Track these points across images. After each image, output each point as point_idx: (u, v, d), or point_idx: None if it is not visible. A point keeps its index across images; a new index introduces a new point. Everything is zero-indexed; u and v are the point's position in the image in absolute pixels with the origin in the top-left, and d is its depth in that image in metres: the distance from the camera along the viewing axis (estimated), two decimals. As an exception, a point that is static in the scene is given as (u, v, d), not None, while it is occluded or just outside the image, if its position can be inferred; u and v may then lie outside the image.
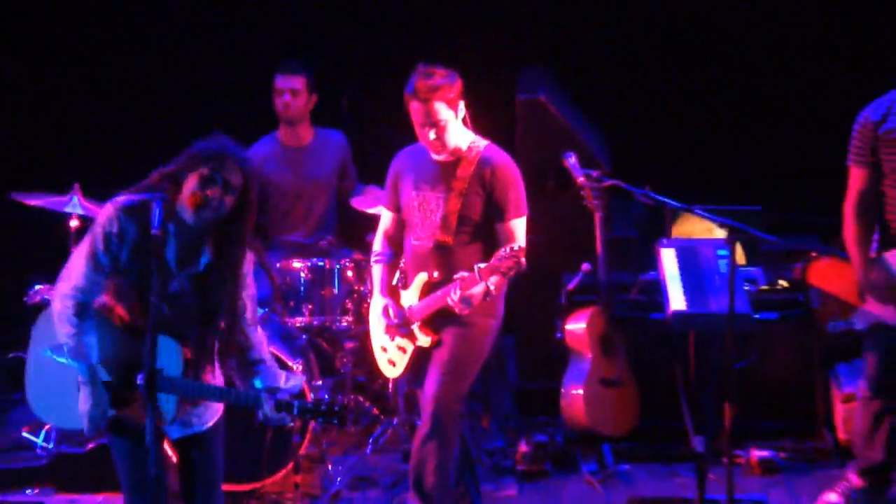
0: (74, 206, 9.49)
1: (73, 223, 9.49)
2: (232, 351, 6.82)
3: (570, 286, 9.86)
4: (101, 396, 6.62)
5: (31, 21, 12.05)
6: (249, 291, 6.82)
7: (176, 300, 6.67)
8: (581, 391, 9.48)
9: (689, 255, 8.50)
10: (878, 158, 8.29)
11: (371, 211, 9.78)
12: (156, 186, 6.56)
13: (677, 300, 8.27)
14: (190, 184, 6.53)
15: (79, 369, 6.59)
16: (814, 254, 9.54)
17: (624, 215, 10.57)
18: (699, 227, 9.72)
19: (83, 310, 6.64)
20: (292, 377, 6.85)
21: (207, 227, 6.60)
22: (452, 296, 7.89)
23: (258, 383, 6.80)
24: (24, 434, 9.73)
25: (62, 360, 6.69)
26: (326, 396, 6.55)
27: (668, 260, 8.47)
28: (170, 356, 6.57)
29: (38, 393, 6.89)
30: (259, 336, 6.90)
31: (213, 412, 6.89)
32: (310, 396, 8.40)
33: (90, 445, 9.14)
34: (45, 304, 8.89)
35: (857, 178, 8.37)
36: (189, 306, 6.70)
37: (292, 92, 10.29)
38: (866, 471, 8.68)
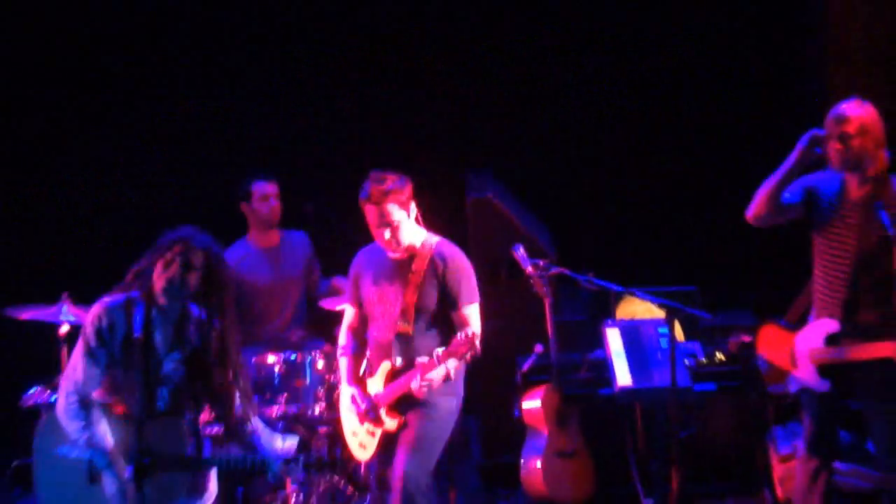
0: (65, 314, 9.21)
1: (64, 329, 9.16)
2: (230, 424, 6.80)
3: (525, 367, 9.66)
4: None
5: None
6: (243, 372, 6.81)
7: (170, 380, 6.62)
8: (539, 463, 9.26)
9: (633, 333, 8.59)
10: (811, 223, 8.05)
11: (338, 308, 9.56)
12: (131, 284, 6.61)
13: (623, 376, 8.36)
14: (157, 271, 6.55)
15: (96, 459, 6.55)
16: (745, 337, 9.45)
17: (571, 300, 10.41)
18: (641, 308, 9.63)
19: (87, 404, 6.58)
20: (288, 437, 6.82)
21: (181, 307, 6.63)
22: (414, 382, 7.78)
23: (259, 441, 6.79)
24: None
25: (76, 455, 6.62)
26: (323, 451, 6.51)
27: (614, 339, 8.54)
28: (174, 434, 6.57)
29: (51, 495, 6.78)
30: (253, 407, 6.86)
31: (209, 496, 6.76)
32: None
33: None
34: (39, 408, 8.83)
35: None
36: (184, 385, 6.65)
37: (275, 196, 10.11)
38: (806, 525, 8.53)
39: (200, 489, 6.66)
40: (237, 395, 6.73)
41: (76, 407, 6.57)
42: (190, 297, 6.58)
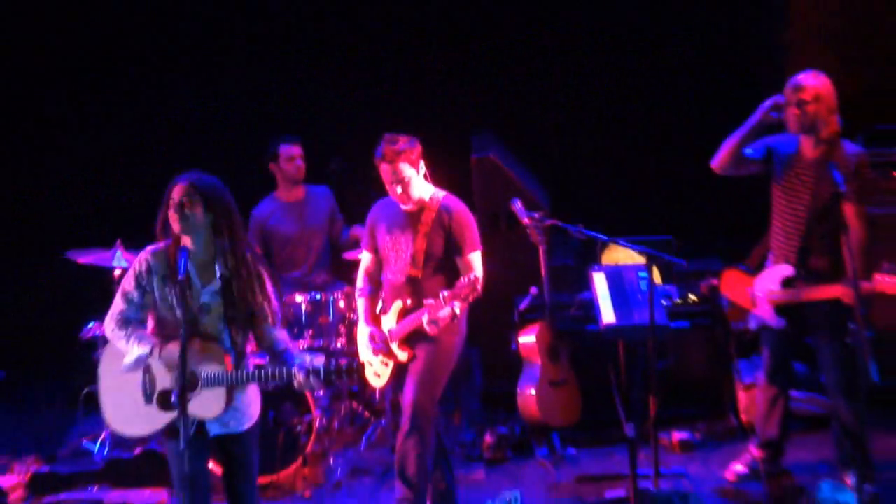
0: (118, 259, 9.49)
1: (117, 272, 9.45)
2: (262, 346, 6.86)
3: (522, 306, 9.85)
4: (154, 385, 6.75)
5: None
6: (270, 300, 6.83)
7: (208, 309, 6.72)
8: (534, 391, 9.47)
9: (616, 277, 8.53)
10: (772, 179, 8.34)
11: (358, 257, 9.64)
12: (163, 233, 6.71)
13: (608, 315, 8.32)
14: (170, 218, 6.65)
15: (149, 352, 6.68)
16: (714, 281, 9.63)
17: (562, 247, 10.52)
18: (623, 255, 9.69)
19: (126, 322, 6.76)
20: (316, 356, 6.81)
21: (205, 244, 6.68)
22: (423, 319, 7.95)
23: (288, 359, 6.77)
24: (85, 443, 9.75)
25: (132, 359, 6.74)
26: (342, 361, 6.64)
27: (599, 282, 8.49)
28: (217, 357, 6.66)
29: (115, 415, 6.91)
30: (283, 335, 6.90)
31: (249, 418, 6.90)
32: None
33: (137, 451, 9.11)
34: (96, 340, 9.20)
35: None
36: (219, 314, 6.73)
37: (301, 157, 10.27)
38: (765, 444, 8.70)
39: (242, 409, 6.81)
40: (269, 314, 6.79)
41: (116, 326, 6.75)
42: (204, 229, 6.62)
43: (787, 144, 8.26)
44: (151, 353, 6.69)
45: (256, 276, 6.76)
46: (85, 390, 9.59)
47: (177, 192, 6.62)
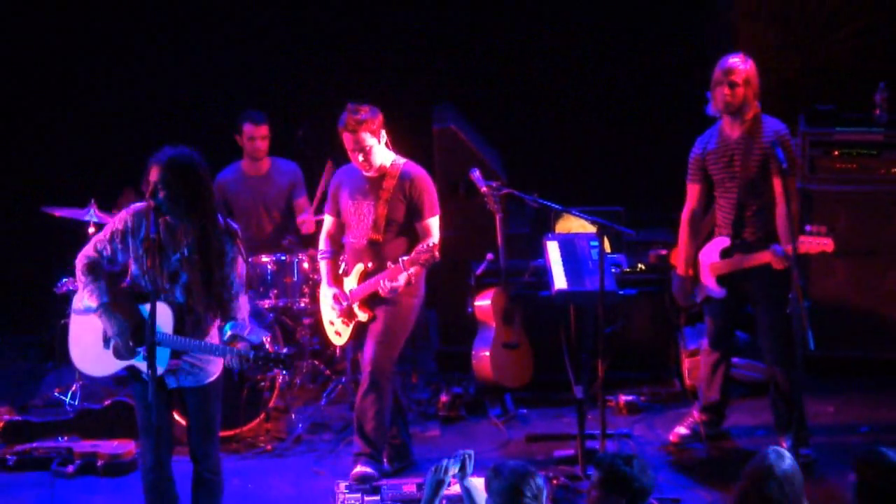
0: (91, 216, 9.51)
1: (91, 230, 9.44)
2: (214, 312, 6.92)
3: (478, 271, 9.82)
4: (123, 326, 6.81)
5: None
6: (235, 269, 6.90)
7: (174, 276, 6.82)
8: (488, 353, 9.49)
9: (569, 245, 8.62)
10: (708, 174, 8.49)
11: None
12: (147, 197, 6.73)
13: (560, 281, 8.43)
14: (147, 194, 6.73)
15: (96, 308, 6.80)
16: (662, 251, 9.90)
17: (518, 216, 10.51)
18: (576, 224, 9.61)
19: (92, 269, 6.86)
20: (256, 330, 6.91)
21: (180, 216, 6.75)
22: (382, 283, 8.06)
23: (228, 330, 6.85)
24: (56, 394, 9.77)
25: (82, 306, 6.91)
26: (277, 349, 6.69)
27: (553, 250, 8.59)
28: (164, 317, 6.73)
29: (78, 353, 7.06)
30: (241, 303, 6.95)
31: (210, 373, 6.98)
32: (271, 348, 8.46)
33: (106, 402, 9.20)
34: (69, 294, 9.12)
35: (690, 193, 8.63)
36: (184, 279, 6.81)
37: (261, 138, 10.21)
38: (707, 408, 8.85)
39: (201, 366, 6.91)
40: (232, 285, 6.85)
41: (83, 270, 6.84)
42: (179, 205, 6.71)
43: (710, 137, 8.49)
44: (97, 310, 6.84)
45: (222, 250, 6.84)
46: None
47: (153, 174, 6.71)
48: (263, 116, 10.27)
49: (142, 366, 6.75)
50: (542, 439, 9.09)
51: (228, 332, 6.87)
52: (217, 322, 6.97)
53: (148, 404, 6.65)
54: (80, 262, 6.93)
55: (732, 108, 8.27)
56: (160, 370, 6.69)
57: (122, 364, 6.91)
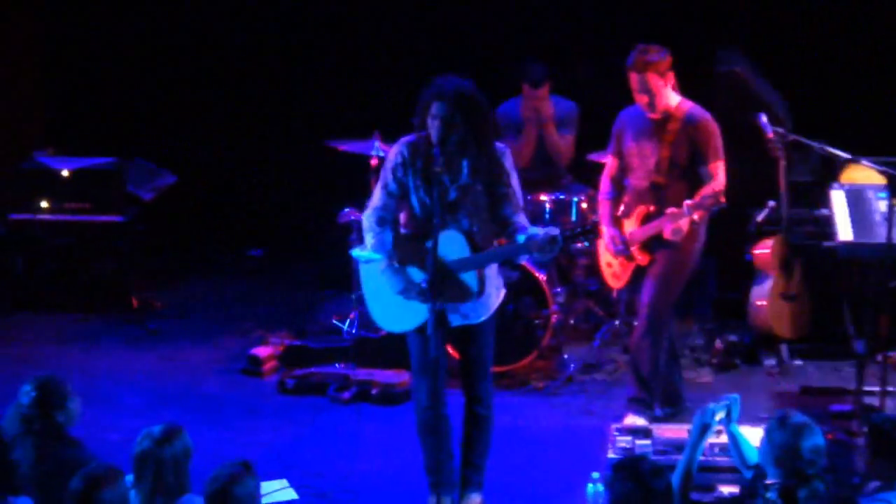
0: (376, 148, 9.45)
1: (374, 162, 9.40)
2: (499, 232, 6.86)
3: (759, 218, 9.59)
4: (410, 281, 6.76)
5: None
6: (511, 186, 6.81)
7: (454, 206, 6.74)
8: (765, 302, 9.35)
9: (856, 196, 8.38)
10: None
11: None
12: (421, 125, 6.74)
13: (845, 232, 8.20)
14: (429, 125, 6.68)
15: (381, 258, 6.80)
16: None
17: (801, 164, 10.10)
18: (862, 175, 9.27)
19: (382, 221, 6.83)
20: (549, 228, 6.70)
21: (457, 143, 6.65)
22: (665, 226, 7.93)
23: (520, 240, 6.68)
24: (334, 321, 9.85)
25: (365, 255, 6.92)
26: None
27: (838, 200, 8.36)
28: (457, 244, 6.66)
29: (382, 314, 7.00)
30: (522, 218, 6.81)
31: (486, 310, 6.91)
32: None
33: (382, 332, 9.13)
34: (351, 224, 9.22)
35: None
36: (465, 206, 6.73)
37: (540, 100, 9.97)
38: None
39: (482, 301, 6.80)
40: (507, 208, 6.75)
41: (372, 222, 6.80)
42: (460, 135, 6.62)
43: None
44: (381, 262, 6.82)
45: (501, 171, 6.76)
46: (354, 295, 9.47)
47: (436, 108, 6.62)
48: (544, 76, 9.99)
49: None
50: (818, 393, 8.91)
51: (523, 240, 6.72)
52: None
53: (427, 337, 6.60)
54: (370, 215, 6.88)
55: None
56: (469, 299, 6.71)
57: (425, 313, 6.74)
